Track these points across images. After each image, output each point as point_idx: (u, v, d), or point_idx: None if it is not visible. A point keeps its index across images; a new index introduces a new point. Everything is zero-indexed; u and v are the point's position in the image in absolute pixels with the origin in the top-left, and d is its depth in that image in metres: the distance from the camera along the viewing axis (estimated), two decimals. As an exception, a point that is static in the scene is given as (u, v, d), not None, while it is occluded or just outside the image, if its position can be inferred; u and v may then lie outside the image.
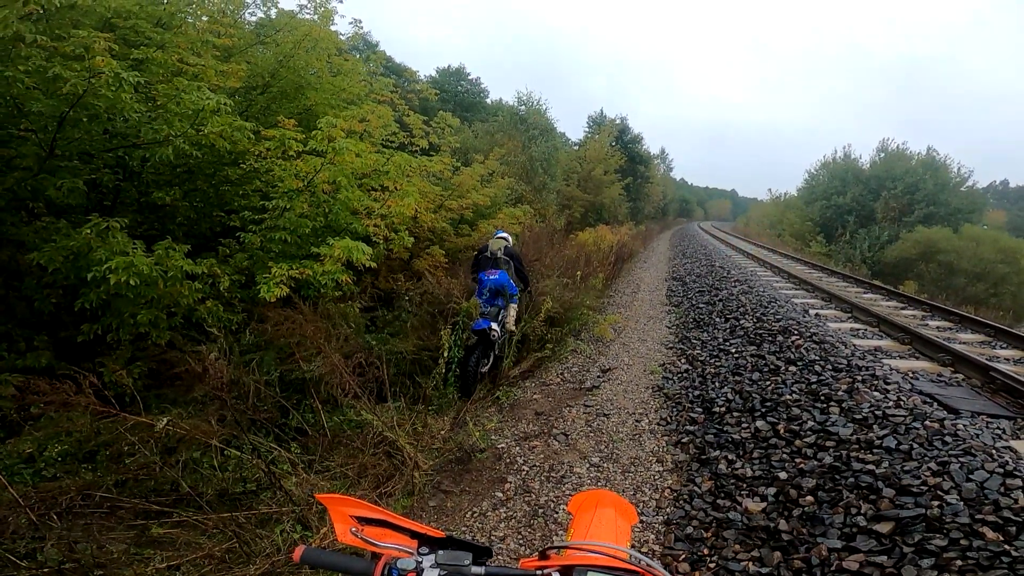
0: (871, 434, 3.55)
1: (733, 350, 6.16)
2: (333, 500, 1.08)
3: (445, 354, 5.38)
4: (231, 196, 5.19)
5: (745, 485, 3.61)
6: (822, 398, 4.22)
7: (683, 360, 6.58)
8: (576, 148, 26.76)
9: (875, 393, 4.10)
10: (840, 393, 4.18)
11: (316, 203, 4.89)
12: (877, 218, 28.63)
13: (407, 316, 6.39)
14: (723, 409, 4.71)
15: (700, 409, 4.89)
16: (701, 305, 9.24)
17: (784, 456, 3.70)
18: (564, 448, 4.44)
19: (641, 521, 3.56)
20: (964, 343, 6.05)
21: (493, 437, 4.80)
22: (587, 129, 31.77)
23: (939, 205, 27.56)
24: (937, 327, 6.91)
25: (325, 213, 5.03)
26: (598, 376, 6.06)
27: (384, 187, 5.70)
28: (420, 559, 1.01)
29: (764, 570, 2.80)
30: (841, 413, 3.95)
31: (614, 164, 24.36)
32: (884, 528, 2.74)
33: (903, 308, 8.19)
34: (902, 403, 3.88)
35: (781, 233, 35.01)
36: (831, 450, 3.57)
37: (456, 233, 8.76)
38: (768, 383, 4.83)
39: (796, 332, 5.93)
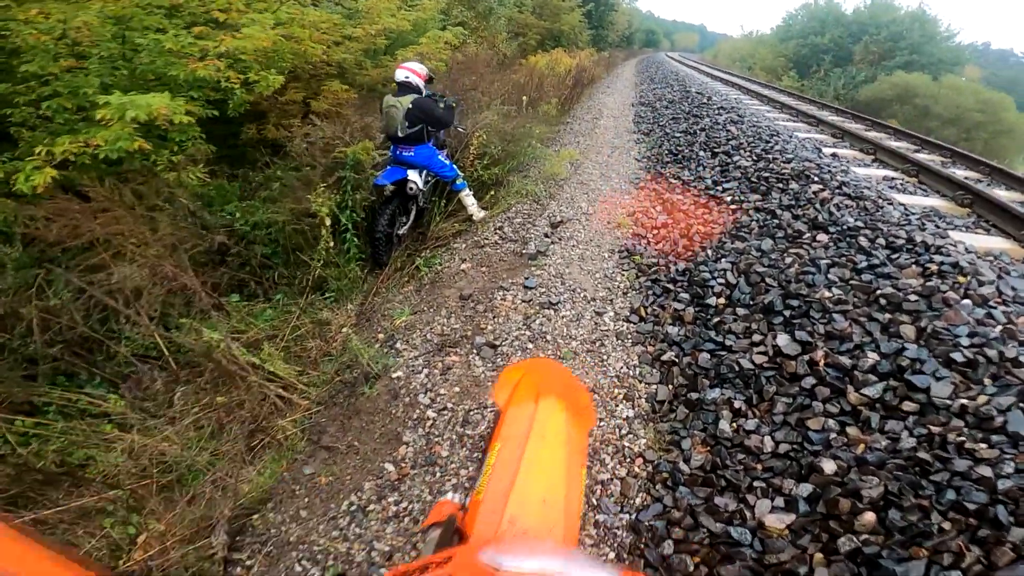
0: (982, 398, 1.93)
1: (728, 198, 4.26)
2: None
3: (327, 222, 3.62)
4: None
5: (760, 469, 2.03)
6: (883, 302, 2.49)
7: (659, 208, 4.69)
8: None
9: (967, 303, 2.39)
10: (912, 297, 2.46)
11: (104, 53, 3.46)
12: (855, 60, 27.20)
13: (283, 172, 4.25)
14: (722, 301, 2.97)
15: (687, 296, 3.14)
16: (677, 135, 7.08)
17: (830, 422, 2.09)
18: (489, 372, 2.76)
19: (597, 524, 2.03)
20: None
21: (398, 346, 3.09)
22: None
23: (923, 55, 26.32)
24: (965, 177, 5.10)
25: (129, 64, 3.57)
26: (546, 235, 4.15)
27: (216, 20, 3.95)
28: None
29: None
30: (921, 339, 2.26)
31: (571, -11, 20.86)
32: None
33: (917, 151, 6.28)
34: (1018, 331, 2.19)
35: (751, 67, 32.98)
36: (913, 421, 1.97)
37: (375, 64, 6.42)
38: (789, 260, 3.05)
39: (817, 179, 4.00)
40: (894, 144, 6.33)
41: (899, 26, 27.34)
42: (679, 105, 9.28)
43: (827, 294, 2.63)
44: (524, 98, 6.61)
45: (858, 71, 25.65)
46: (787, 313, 2.64)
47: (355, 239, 3.99)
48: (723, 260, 3.32)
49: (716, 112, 7.53)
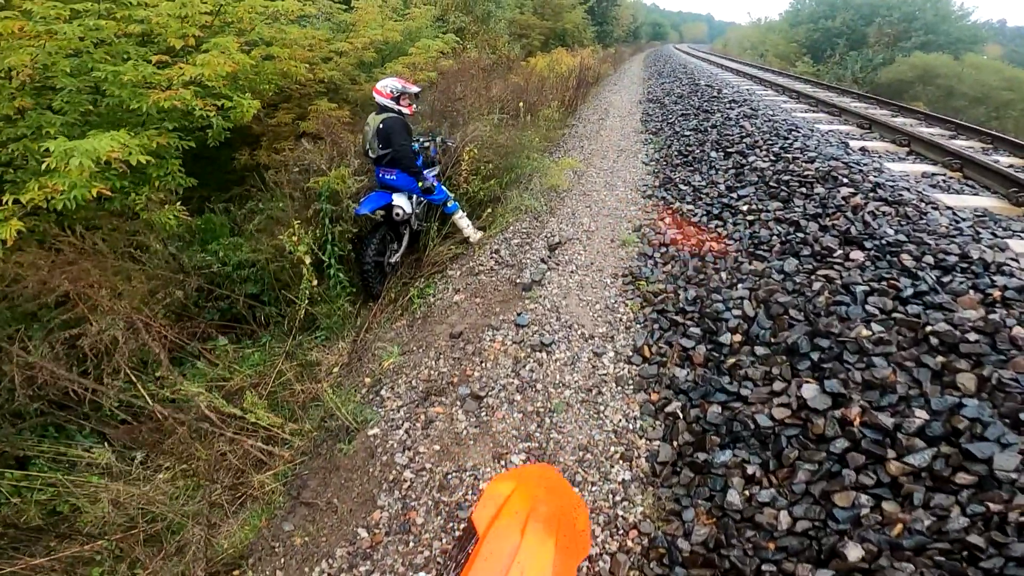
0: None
1: (744, 207, 3.82)
2: None
3: (307, 260, 3.36)
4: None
5: (771, 549, 1.70)
6: (935, 342, 2.05)
7: (668, 221, 4.27)
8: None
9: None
10: (972, 336, 2.01)
11: (72, 87, 3.24)
12: (869, 42, 25.76)
13: (265, 204, 4.04)
14: (737, 339, 2.56)
15: (698, 331, 2.74)
16: (687, 133, 6.61)
17: (861, 496, 1.74)
18: (472, 430, 2.46)
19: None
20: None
21: (383, 393, 2.84)
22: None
23: (939, 34, 25.08)
24: (1010, 165, 4.51)
25: (103, 98, 3.36)
26: (542, 259, 3.78)
27: (179, 48, 3.66)
28: None
29: None
30: (982, 391, 1.83)
31: (572, -14, 20.14)
32: None
33: (953, 137, 5.68)
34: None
35: (764, 54, 31.80)
36: (967, 496, 1.60)
37: (369, 78, 6.19)
38: (817, 286, 2.61)
39: (848, 181, 3.51)
40: (927, 132, 5.74)
41: (911, 6, 26.18)
42: (688, 100, 8.76)
43: (864, 332, 2.20)
44: (521, 104, 6.19)
45: (875, 54, 24.18)
46: (815, 356, 2.22)
47: (340, 274, 3.71)
48: (740, 286, 2.90)
49: (727, 106, 7.02)
